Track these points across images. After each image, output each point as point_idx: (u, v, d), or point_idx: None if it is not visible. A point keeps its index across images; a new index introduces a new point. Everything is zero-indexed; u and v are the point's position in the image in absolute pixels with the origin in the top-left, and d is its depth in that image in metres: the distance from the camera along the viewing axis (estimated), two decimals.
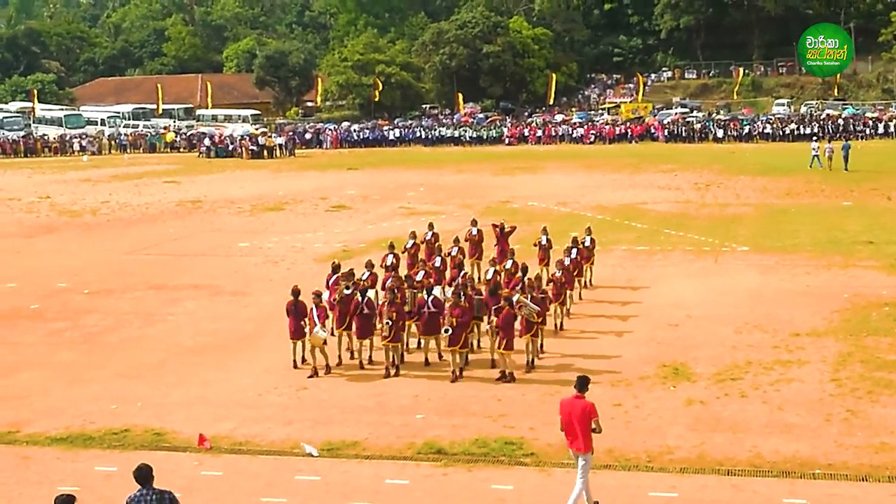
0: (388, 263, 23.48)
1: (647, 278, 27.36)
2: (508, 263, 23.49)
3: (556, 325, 22.28)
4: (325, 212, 42.73)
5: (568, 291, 23.21)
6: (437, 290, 20.75)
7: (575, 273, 24.08)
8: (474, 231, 27.41)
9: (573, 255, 24.13)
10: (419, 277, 21.77)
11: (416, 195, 47.18)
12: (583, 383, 13.43)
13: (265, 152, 74.19)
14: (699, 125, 78.41)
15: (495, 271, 22.94)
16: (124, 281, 28.95)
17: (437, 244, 25.71)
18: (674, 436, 15.75)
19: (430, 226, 27.50)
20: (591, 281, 26.24)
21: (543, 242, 25.85)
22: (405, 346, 20.68)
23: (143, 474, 10.93)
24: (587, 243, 25.68)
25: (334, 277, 21.84)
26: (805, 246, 31.27)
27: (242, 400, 18.23)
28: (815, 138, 62.62)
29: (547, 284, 22.57)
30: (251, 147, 74.36)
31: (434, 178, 55.01)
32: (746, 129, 75.83)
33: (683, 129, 78.05)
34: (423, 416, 17.10)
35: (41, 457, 15.82)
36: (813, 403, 17.04)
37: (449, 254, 24.58)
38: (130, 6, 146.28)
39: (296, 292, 20.25)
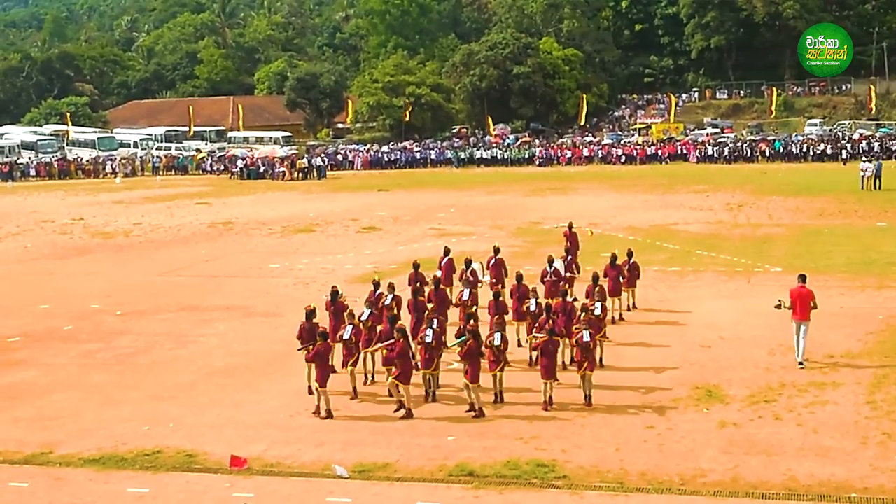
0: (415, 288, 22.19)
1: (680, 299, 27.18)
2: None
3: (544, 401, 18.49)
4: (355, 233, 42.81)
5: (588, 373, 18.80)
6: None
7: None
8: (466, 295, 22.54)
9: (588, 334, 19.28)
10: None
11: (446, 216, 47.22)
12: (803, 278, 20.74)
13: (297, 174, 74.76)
14: (731, 145, 78.15)
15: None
16: (156, 302, 29.10)
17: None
18: (707, 458, 15.60)
19: (391, 287, 22.07)
20: (601, 360, 20.75)
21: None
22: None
23: None
24: (597, 312, 20.76)
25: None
26: (839, 267, 30.99)
27: (273, 421, 18.23)
28: (863, 158, 60.48)
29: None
30: (280, 169, 74.83)
31: (465, 199, 55.07)
32: (783, 149, 75.65)
33: (715, 149, 77.83)
34: (454, 438, 17.02)
35: (74, 478, 15.86)
36: (848, 426, 16.84)
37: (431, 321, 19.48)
38: (163, 29, 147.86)
39: (309, 313, 19.67)
